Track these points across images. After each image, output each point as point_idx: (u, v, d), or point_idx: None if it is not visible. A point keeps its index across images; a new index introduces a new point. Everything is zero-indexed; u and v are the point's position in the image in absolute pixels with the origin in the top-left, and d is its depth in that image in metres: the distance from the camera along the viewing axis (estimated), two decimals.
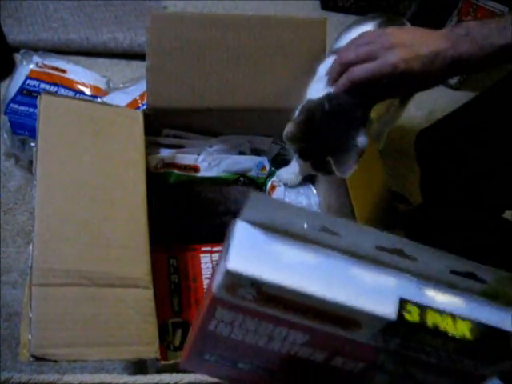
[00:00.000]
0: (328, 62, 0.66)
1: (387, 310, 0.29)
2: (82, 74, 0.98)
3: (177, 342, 0.69)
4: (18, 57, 0.98)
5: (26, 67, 0.95)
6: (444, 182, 0.81)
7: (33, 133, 0.61)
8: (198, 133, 0.81)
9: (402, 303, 0.29)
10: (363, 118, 0.60)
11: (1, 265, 0.83)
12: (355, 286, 0.30)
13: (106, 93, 0.97)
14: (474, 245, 0.69)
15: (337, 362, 0.33)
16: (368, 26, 0.75)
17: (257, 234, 0.31)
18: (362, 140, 0.59)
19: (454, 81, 1.26)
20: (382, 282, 0.30)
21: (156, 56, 0.71)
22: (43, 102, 0.62)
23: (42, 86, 0.94)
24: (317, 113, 0.60)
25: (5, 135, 0.88)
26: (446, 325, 0.29)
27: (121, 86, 0.99)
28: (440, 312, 0.29)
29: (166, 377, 0.58)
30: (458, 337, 0.28)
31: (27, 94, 0.92)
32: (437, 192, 0.84)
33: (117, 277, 0.55)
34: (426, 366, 0.31)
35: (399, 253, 0.30)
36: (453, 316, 0.29)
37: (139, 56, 1.09)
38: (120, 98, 0.93)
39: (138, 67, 1.11)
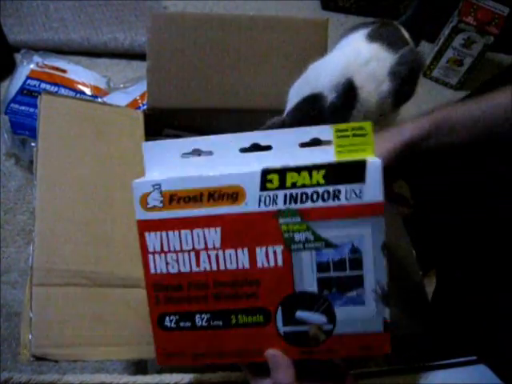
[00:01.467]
0: (318, 64, 0.67)
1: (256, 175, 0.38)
2: (82, 74, 0.98)
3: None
4: (18, 57, 0.99)
5: (27, 67, 0.96)
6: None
7: (33, 133, 0.61)
8: (198, 133, 0.81)
9: (263, 173, 0.38)
10: None
11: (1, 265, 0.83)
12: (228, 168, 0.39)
13: (106, 93, 0.97)
14: (480, 244, 0.69)
15: (261, 259, 0.39)
16: (361, 34, 0.75)
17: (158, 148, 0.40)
18: None
19: (454, 81, 1.26)
20: (248, 163, 0.39)
21: (156, 56, 0.71)
22: (43, 101, 0.62)
23: (43, 85, 0.94)
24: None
25: (5, 135, 0.88)
26: (303, 179, 0.38)
27: (121, 86, 0.99)
28: (298, 170, 0.38)
29: (166, 377, 0.58)
30: (314, 183, 0.38)
31: (27, 94, 0.92)
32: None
33: (117, 277, 0.55)
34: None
35: (257, 147, 0.39)
36: (309, 170, 0.38)
37: (139, 56, 1.09)
38: (120, 98, 0.93)
39: (138, 67, 1.11)
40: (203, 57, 0.73)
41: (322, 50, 0.77)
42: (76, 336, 0.50)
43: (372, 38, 0.74)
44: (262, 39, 0.75)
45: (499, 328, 0.61)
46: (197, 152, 0.40)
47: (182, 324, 0.40)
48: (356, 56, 0.71)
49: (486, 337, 0.62)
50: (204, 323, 0.40)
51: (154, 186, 0.39)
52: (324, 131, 0.39)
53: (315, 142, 0.39)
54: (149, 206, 0.39)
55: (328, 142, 0.39)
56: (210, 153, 0.40)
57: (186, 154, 0.40)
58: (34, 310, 0.49)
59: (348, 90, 0.69)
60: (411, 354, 0.68)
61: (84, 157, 0.61)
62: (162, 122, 0.77)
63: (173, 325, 0.40)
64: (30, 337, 0.47)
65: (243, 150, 0.40)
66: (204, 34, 0.73)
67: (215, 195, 0.38)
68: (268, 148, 0.40)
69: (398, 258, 0.74)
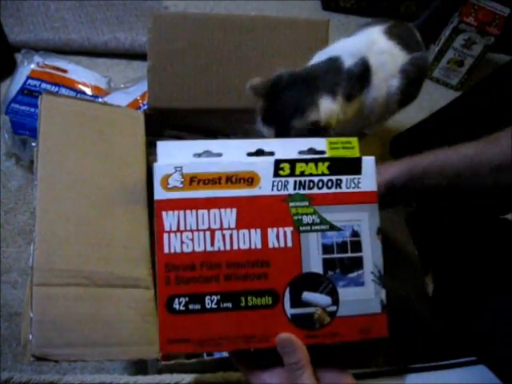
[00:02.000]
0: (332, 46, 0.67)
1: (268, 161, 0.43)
2: (83, 74, 0.98)
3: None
4: (19, 57, 0.99)
5: (27, 67, 0.96)
6: None
7: (34, 133, 0.61)
8: (199, 133, 0.81)
9: (276, 162, 0.42)
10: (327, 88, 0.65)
11: (1, 265, 0.83)
12: (244, 157, 0.43)
13: (106, 93, 0.97)
14: (477, 245, 0.69)
15: (272, 240, 0.42)
16: (378, 28, 0.76)
17: (172, 147, 0.43)
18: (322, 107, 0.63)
19: (454, 81, 1.26)
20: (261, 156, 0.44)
21: (157, 56, 0.71)
22: (44, 101, 0.62)
23: (43, 85, 0.94)
24: (284, 77, 0.65)
25: (6, 135, 0.88)
26: (310, 169, 0.43)
27: (122, 86, 0.99)
28: (306, 161, 0.43)
29: (166, 377, 0.58)
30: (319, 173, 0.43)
31: (28, 94, 0.92)
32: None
33: (117, 277, 0.55)
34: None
35: (261, 152, 0.44)
36: (315, 162, 0.43)
37: (140, 56, 1.09)
38: (121, 98, 0.93)
39: (138, 67, 1.11)
40: (204, 57, 0.73)
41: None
42: (76, 336, 0.50)
43: (389, 34, 0.75)
44: (263, 39, 0.75)
45: (498, 328, 0.61)
46: (207, 153, 0.43)
47: (191, 307, 0.40)
48: (372, 44, 0.73)
49: (485, 337, 0.62)
50: (214, 305, 0.41)
51: (176, 168, 0.41)
52: (319, 142, 0.45)
53: (311, 151, 0.44)
54: (169, 187, 0.41)
55: (322, 152, 0.44)
56: (219, 154, 0.43)
57: (197, 154, 0.43)
58: (35, 310, 0.49)
59: (363, 65, 0.70)
60: (411, 354, 0.68)
61: (84, 157, 0.61)
62: (163, 122, 0.77)
63: (182, 307, 0.40)
64: (31, 337, 0.47)
65: (249, 154, 0.44)
66: (204, 34, 0.73)
67: (233, 179, 0.42)
68: (271, 154, 0.44)
69: (398, 258, 0.74)
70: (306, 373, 0.40)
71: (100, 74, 1.02)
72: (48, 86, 0.94)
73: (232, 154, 0.43)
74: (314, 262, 0.42)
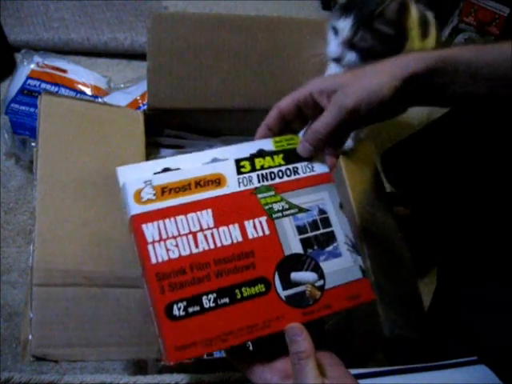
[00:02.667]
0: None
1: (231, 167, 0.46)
2: (82, 74, 0.98)
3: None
4: (18, 57, 0.99)
5: (27, 67, 0.96)
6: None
7: (33, 133, 0.61)
8: (198, 133, 0.81)
9: (237, 161, 0.46)
10: None
11: (1, 265, 0.83)
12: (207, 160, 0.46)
13: (106, 93, 0.97)
14: (477, 247, 0.69)
15: (250, 231, 0.44)
16: None
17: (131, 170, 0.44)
18: None
19: None
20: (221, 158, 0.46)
21: (157, 56, 0.71)
22: (43, 102, 0.62)
23: (43, 85, 0.94)
24: None
25: (5, 135, 0.88)
26: (268, 163, 0.47)
27: (121, 85, 0.99)
28: (263, 156, 0.47)
29: (166, 377, 0.58)
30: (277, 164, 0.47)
31: (28, 94, 0.92)
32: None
33: (117, 277, 0.55)
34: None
35: (216, 161, 0.46)
36: (271, 155, 0.47)
37: (140, 56, 1.09)
38: (121, 98, 0.93)
39: (138, 67, 1.11)
40: (203, 57, 0.73)
41: (322, 50, 0.77)
42: (76, 336, 0.50)
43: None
44: (262, 39, 0.75)
45: (499, 328, 0.61)
46: (166, 170, 0.45)
47: (190, 309, 0.41)
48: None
49: (487, 337, 0.62)
50: (211, 304, 0.41)
51: (145, 182, 0.43)
52: (266, 143, 0.48)
53: (260, 153, 0.47)
54: (143, 200, 0.42)
55: (269, 153, 0.48)
56: (177, 169, 0.45)
57: (157, 173, 0.44)
58: (34, 310, 0.49)
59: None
60: (411, 354, 0.68)
61: (84, 157, 0.61)
62: (162, 122, 0.77)
63: (181, 312, 0.41)
64: (30, 337, 0.47)
65: (206, 164, 0.46)
66: (204, 34, 0.73)
67: (201, 182, 0.44)
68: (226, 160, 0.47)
69: (392, 260, 0.74)
70: (312, 363, 0.40)
71: (100, 74, 1.02)
72: (48, 86, 0.94)
73: (189, 166, 0.45)
74: (293, 244, 0.45)
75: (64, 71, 0.97)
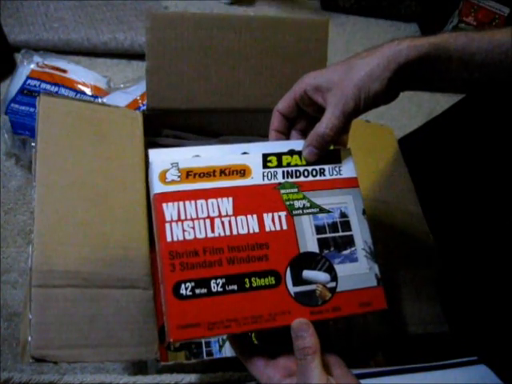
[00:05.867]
0: None
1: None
2: (82, 74, 0.98)
3: (177, 343, 0.69)
4: (18, 57, 0.99)
5: (27, 67, 0.96)
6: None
7: (33, 133, 0.61)
8: (198, 133, 0.81)
9: (264, 156, 0.46)
10: None
11: (1, 265, 0.83)
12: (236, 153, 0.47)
13: (106, 93, 0.97)
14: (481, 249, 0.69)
15: (268, 224, 0.44)
16: None
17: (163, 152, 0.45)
18: None
19: None
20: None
21: (156, 56, 0.71)
22: (42, 102, 0.61)
23: (43, 85, 0.94)
24: None
25: (5, 135, 0.89)
26: (295, 161, 0.47)
27: (121, 86, 0.99)
28: (291, 154, 0.47)
29: (166, 377, 0.58)
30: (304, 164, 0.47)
31: (28, 94, 0.92)
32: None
33: (117, 278, 0.55)
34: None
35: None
36: (299, 154, 0.47)
37: (140, 56, 1.09)
38: (121, 98, 0.94)
39: (138, 67, 1.11)
40: (203, 57, 0.73)
41: (322, 50, 0.77)
42: (75, 337, 0.50)
43: None
44: (262, 39, 0.75)
45: (500, 328, 0.61)
46: (196, 157, 0.45)
47: (197, 291, 0.41)
48: None
49: (487, 337, 0.62)
50: (219, 288, 0.42)
51: (172, 164, 0.44)
52: (299, 144, 0.48)
53: (289, 152, 0.48)
54: (167, 181, 0.43)
55: (298, 152, 0.48)
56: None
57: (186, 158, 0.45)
58: (33, 312, 0.49)
59: None
60: (411, 353, 0.68)
61: (83, 158, 0.60)
62: (162, 123, 0.77)
63: (188, 292, 0.41)
64: (30, 338, 0.47)
65: (233, 155, 0.47)
66: (204, 34, 0.73)
67: (226, 171, 0.45)
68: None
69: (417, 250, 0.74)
70: (318, 359, 0.40)
71: (100, 74, 1.02)
72: (48, 86, 0.94)
73: (219, 155, 0.46)
74: (309, 243, 0.45)
75: (64, 71, 0.97)
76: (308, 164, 0.47)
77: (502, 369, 0.56)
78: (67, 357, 0.49)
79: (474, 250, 0.70)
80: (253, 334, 0.48)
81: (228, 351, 0.71)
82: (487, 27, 0.46)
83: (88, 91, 0.96)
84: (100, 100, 0.94)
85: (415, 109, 1.22)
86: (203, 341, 0.70)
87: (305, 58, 0.76)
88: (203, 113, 0.76)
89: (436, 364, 0.59)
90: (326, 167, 0.48)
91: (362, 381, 0.43)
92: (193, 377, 0.58)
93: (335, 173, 0.48)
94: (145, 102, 0.81)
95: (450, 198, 0.77)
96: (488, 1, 1.14)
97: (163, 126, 0.78)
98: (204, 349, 0.70)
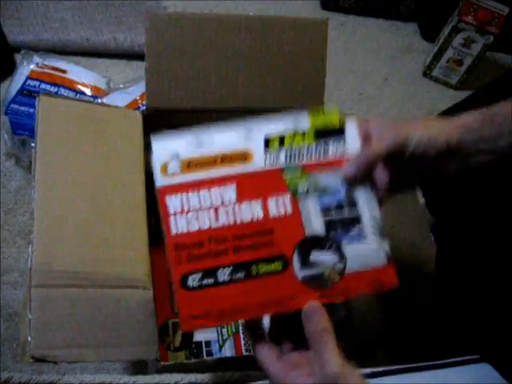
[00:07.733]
0: None
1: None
2: (82, 75, 0.98)
3: (177, 343, 0.69)
4: (18, 57, 0.99)
5: (27, 67, 0.96)
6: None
7: (33, 133, 0.61)
8: None
9: (266, 138, 0.45)
10: None
11: (1, 265, 0.83)
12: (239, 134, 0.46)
13: (106, 93, 0.97)
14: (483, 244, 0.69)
15: (272, 209, 0.44)
16: None
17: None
18: None
19: (454, 80, 1.25)
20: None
21: (155, 57, 0.71)
22: (42, 103, 0.62)
23: (43, 86, 0.94)
24: None
25: (5, 135, 0.89)
26: (297, 141, 0.45)
27: (121, 86, 0.99)
28: (294, 134, 0.45)
29: (166, 377, 0.58)
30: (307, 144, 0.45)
31: (28, 95, 0.92)
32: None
33: (116, 278, 0.55)
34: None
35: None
36: (302, 134, 0.45)
37: (139, 56, 1.09)
38: (120, 98, 0.93)
39: (138, 67, 1.11)
40: (202, 57, 0.73)
41: (322, 49, 0.77)
42: (75, 337, 0.50)
43: None
44: (262, 39, 0.75)
45: (503, 326, 0.60)
46: (198, 139, 0.45)
47: (205, 281, 0.42)
48: None
49: (490, 335, 0.62)
50: (226, 277, 0.42)
51: (172, 155, 0.44)
52: (303, 119, 0.46)
53: (292, 131, 0.46)
54: (169, 173, 0.43)
55: (301, 132, 0.46)
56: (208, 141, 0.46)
57: (186, 145, 0.45)
58: (33, 312, 0.49)
59: None
60: (411, 353, 0.68)
61: (82, 158, 0.61)
62: (161, 123, 0.77)
63: (196, 283, 0.42)
64: (29, 338, 0.47)
65: (234, 138, 0.46)
66: (204, 34, 0.73)
67: (227, 158, 0.44)
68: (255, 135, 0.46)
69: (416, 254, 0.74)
70: (333, 338, 0.39)
71: (99, 75, 1.02)
72: (47, 87, 0.94)
73: (221, 138, 0.46)
74: (315, 225, 0.44)
75: (64, 71, 0.97)
76: (310, 144, 0.45)
77: (504, 367, 0.56)
78: (67, 356, 0.49)
79: (476, 247, 0.69)
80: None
81: (228, 351, 0.71)
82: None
83: (88, 91, 0.96)
84: (100, 100, 0.94)
85: (415, 109, 1.21)
86: (203, 341, 0.71)
87: (304, 58, 0.76)
88: (203, 112, 0.76)
89: (437, 363, 0.59)
90: (330, 145, 0.46)
91: None
92: (193, 377, 0.58)
93: (340, 151, 0.46)
94: (144, 102, 0.81)
95: (449, 194, 0.77)
96: (488, 0, 1.14)
97: (163, 126, 0.78)
98: (204, 349, 0.70)
